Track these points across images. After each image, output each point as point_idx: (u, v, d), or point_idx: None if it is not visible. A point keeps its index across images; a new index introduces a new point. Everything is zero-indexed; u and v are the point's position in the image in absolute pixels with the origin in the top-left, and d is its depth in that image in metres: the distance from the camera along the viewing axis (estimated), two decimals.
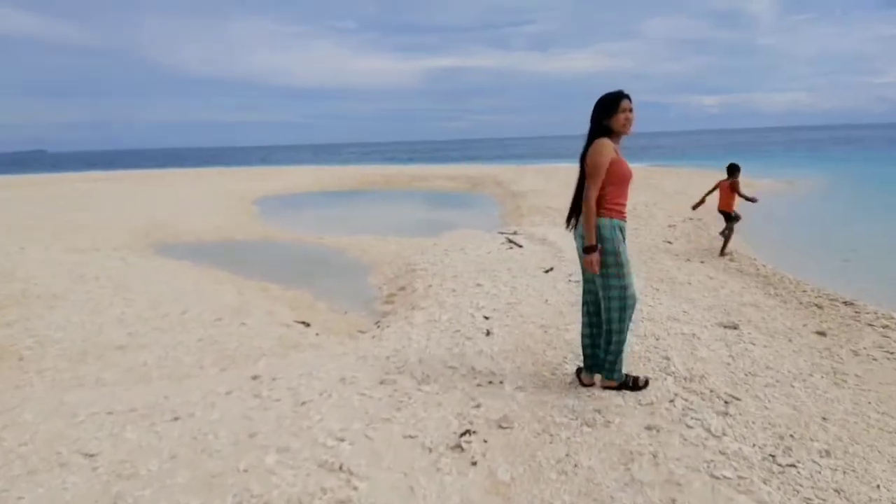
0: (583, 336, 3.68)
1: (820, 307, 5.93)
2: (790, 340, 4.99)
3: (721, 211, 8.84)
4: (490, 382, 3.87)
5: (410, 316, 5.65)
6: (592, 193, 3.32)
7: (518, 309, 5.53)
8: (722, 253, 8.59)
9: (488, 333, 4.85)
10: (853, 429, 3.29)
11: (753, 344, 4.76)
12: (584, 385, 3.71)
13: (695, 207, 8.98)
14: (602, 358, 3.58)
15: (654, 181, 20.38)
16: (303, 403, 3.58)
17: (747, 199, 8.68)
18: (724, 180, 8.74)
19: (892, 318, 5.45)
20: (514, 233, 10.26)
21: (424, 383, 3.87)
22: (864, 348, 4.72)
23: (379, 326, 5.75)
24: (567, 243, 8.83)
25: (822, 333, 5.13)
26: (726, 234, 8.68)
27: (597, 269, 3.37)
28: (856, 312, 5.68)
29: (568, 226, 3.60)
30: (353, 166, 40.44)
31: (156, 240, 11.57)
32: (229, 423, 3.34)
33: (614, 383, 3.61)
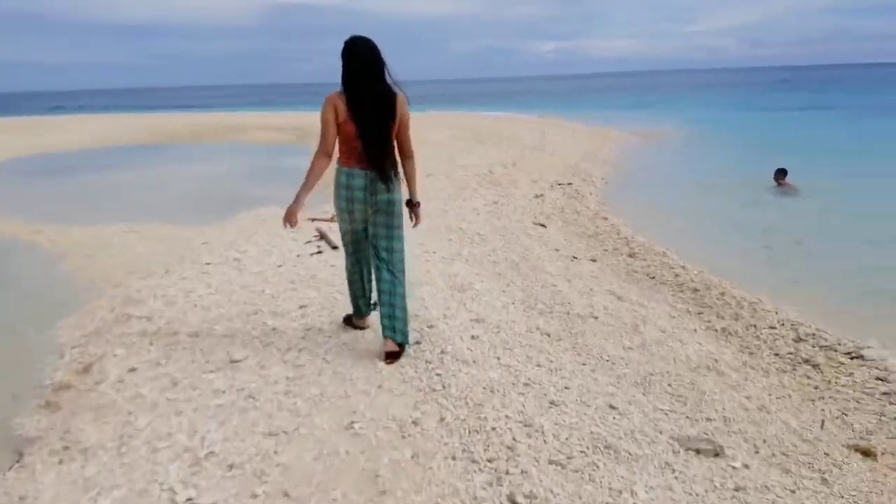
0: (356, 282, 3.51)
1: (813, 365, 3.61)
2: (825, 482, 2.54)
3: None
4: None
5: (42, 486, 2.43)
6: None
7: (285, 456, 2.52)
8: None
9: None
10: None
11: None
12: (362, 328, 3.61)
13: None
14: (398, 317, 3.23)
15: (508, 133, 18.09)
16: None
17: None
18: None
19: None
20: (332, 217, 7.12)
21: None
22: None
23: None
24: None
25: (869, 454, 2.74)
26: None
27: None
28: (879, 381, 3.41)
29: (387, 181, 3.12)
30: (163, 114, 34.23)
31: None
32: None
33: (403, 348, 3.28)
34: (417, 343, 3.54)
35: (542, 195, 8.96)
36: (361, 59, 3.04)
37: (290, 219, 3.15)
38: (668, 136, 17.67)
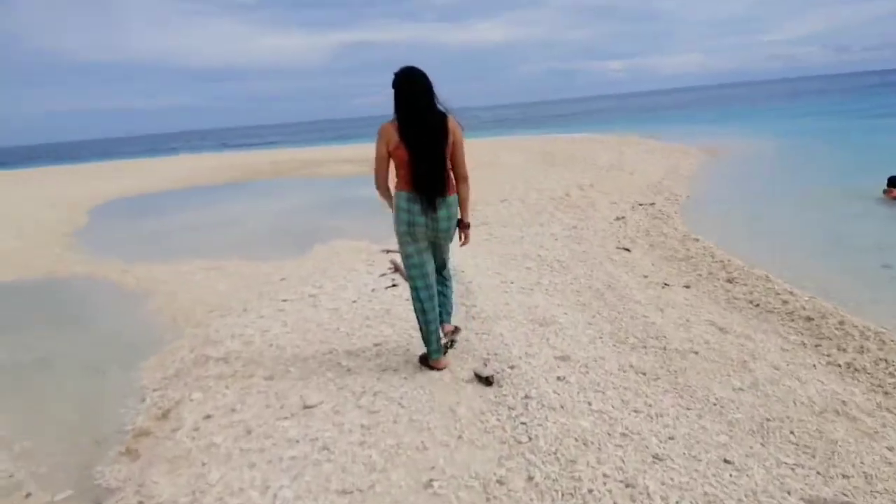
0: (428, 311, 3.48)
1: None
2: None
3: None
4: None
5: None
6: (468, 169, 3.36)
7: None
8: None
9: None
10: None
11: None
12: (438, 369, 3.51)
13: None
14: (450, 310, 3.73)
15: (582, 153, 17.65)
16: None
17: None
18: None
19: None
20: None
21: None
22: None
23: None
24: (478, 272, 5.68)
25: None
26: None
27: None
28: None
29: (436, 203, 3.27)
30: (244, 152, 35.92)
31: None
32: None
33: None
34: (498, 385, 3.28)
35: (623, 217, 8.53)
36: (410, 88, 3.16)
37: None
38: (754, 149, 16.67)
